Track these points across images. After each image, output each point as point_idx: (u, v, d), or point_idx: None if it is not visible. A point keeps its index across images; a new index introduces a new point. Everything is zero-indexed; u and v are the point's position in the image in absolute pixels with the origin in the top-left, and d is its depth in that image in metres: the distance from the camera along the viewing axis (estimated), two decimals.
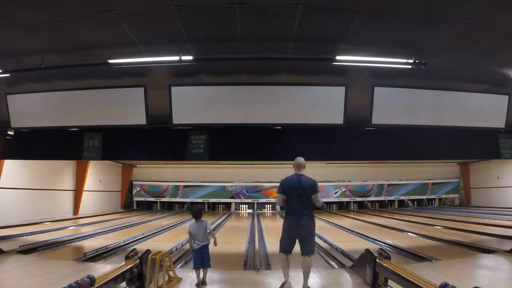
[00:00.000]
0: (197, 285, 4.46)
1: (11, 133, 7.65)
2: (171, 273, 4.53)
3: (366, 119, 6.62)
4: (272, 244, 8.54)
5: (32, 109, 6.99)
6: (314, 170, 21.30)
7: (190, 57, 5.52)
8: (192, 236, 4.53)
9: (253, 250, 7.85)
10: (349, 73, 6.43)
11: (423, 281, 3.24)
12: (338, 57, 5.59)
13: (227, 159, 11.21)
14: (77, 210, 17.13)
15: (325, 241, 8.74)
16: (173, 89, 6.47)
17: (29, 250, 7.26)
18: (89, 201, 18.24)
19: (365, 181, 22.45)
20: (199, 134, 7.12)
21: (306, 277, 4.14)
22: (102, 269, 4.56)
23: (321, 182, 22.25)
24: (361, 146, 7.36)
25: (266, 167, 21.05)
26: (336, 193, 22.30)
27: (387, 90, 6.57)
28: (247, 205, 22.55)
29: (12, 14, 4.58)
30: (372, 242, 8.63)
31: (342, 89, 6.44)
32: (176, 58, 5.43)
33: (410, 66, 5.56)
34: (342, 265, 6.13)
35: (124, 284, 3.98)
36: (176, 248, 7.72)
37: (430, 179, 22.41)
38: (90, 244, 8.30)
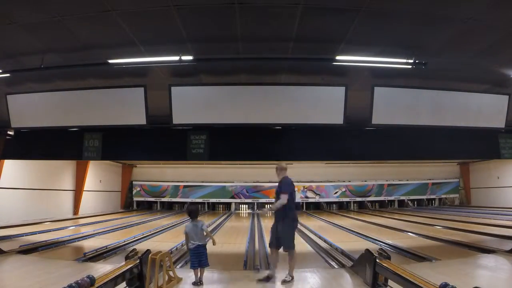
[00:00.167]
0: (194, 283, 4.47)
1: (11, 133, 7.64)
2: (171, 273, 4.53)
3: (366, 119, 6.62)
4: None
5: (32, 109, 6.99)
6: (314, 170, 21.55)
7: (190, 57, 5.51)
8: (188, 236, 4.54)
9: (253, 250, 7.85)
10: (349, 73, 6.43)
11: (423, 281, 3.24)
12: (338, 57, 5.59)
13: (227, 159, 11.21)
14: (77, 210, 17.13)
15: (325, 241, 8.74)
16: (173, 89, 6.47)
17: (29, 250, 7.26)
18: (89, 201, 18.24)
19: (365, 181, 22.44)
20: (199, 134, 7.12)
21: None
22: (102, 269, 4.57)
23: (321, 182, 22.30)
24: (361, 146, 7.36)
25: (266, 167, 21.01)
26: (336, 193, 22.30)
27: (387, 90, 6.57)
28: (247, 205, 22.55)
29: (12, 14, 4.58)
30: (372, 242, 8.63)
31: (342, 89, 6.43)
32: (176, 58, 5.43)
33: (410, 66, 5.56)
34: (342, 265, 6.13)
35: (124, 284, 3.97)
36: (176, 248, 7.72)
37: (430, 179, 22.41)
38: (90, 244, 8.30)
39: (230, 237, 10.42)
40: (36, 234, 9.71)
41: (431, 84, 6.77)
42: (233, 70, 6.55)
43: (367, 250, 4.61)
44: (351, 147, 7.37)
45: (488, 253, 6.54)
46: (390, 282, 4.04)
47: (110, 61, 5.63)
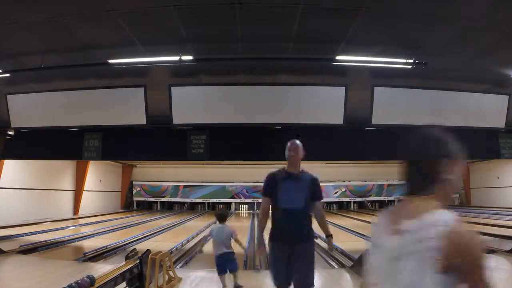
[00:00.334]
0: None
1: (11, 133, 7.64)
2: (171, 273, 4.53)
3: (366, 119, 6.62)
4: None
5: (32, 109, 6.99)
6: (314, 170, 21.48)
7: (190, 57, 5.51)
8: (214, 241, 4.17)
9: (253, 250, 7.84)
10: (349, 73, 6.43)
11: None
12: (338, 57, 5.59)
13: (227, 159, 11.21)
14: (77, 210, 17.12)
15: (325, 241, 8.73)
16: (173, 89, 6.47)
17: (29, 250, 7.26)
18: (89, 201, 18.24)
19: (365, 181, 22.44)
20: (199, 134, 7.12)
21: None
22: (102, 269, 4.56)
23: (321, 182, 22.04)
24: (361, 146, 7.35)
25: (266, 167, 20.67)
26: (336, 193, 22.30)
27: (387, 90, 6.57)
28: (247, 205, 22.54)
29: (12, 14, 4.58)
30: None
31: (342, 89, 6.44)
32: (176, 58, 5.43)
33: (410, 66, 5.56)
34: (342, 265, 6.13)
35: (124, 284, 3.97)
36: (176, 248, 7.72)
37: None
38: (90, 244, 8.30)
39: None
40: (36, 234, 9.71)
41: (431, 84, 6.77)
42: (233, 70, 6.55)
43: (367, 250, 4.60)
44: (351, 147, 7.36)
45: (488, 253, 6.54)
46: None
47: (110, 61, 5.63)
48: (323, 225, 3.02)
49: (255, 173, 21.61)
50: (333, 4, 4.40)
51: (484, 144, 7.72)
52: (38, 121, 7.07)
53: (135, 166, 22.75)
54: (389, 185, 22.44)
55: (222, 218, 4.29)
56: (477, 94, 6.99)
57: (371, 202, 22.57)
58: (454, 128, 7.03)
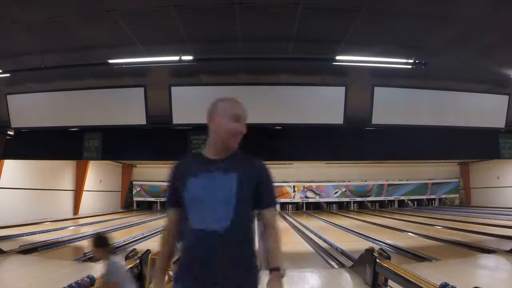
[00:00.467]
0: None
1: (11, 133, 7.64)
2: (171, 273, 4.53)
3: (366, 119, 6.62)
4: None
5: (32, 109, 6.99)
6: (314, 170, 21.50)
7: (190, 57, 5.51)
8: None
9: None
10: (349, 73, 6.43)
11: (423, 281, 3.24)
12: (338, 57, 5.58)
13: None
14: (77, 210, 17.12)
15: (325, 241, 8.74)
16: (173, 89, 6.47)
17: (29, 250, 7.26)
18: (89, 201, 18.23)
19: (365, 181, 22.43)
20: (199, 134, 7.11)
21: None
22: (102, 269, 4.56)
23: (321, 182, 22.29)
24: (361, 146, 7.36)
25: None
26: (336, 193, 22.29)
27: (387, 90, 6.57)
28: None
29: (12, 14, 4.58)
30: (372, 242, 8.62)
31: (342, 89, 6.44)
32: (176, 58, 5.43)
33: (410, 66, 5.56)
34: (342, 265, 6.13)
35: None
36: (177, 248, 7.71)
37: (430, 179, 22.40)
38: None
39: None
40: (36, 234, 9.71)
41: (431, 84, 6.77)
42: (233, 70, 6.55)
43: (367, 250, 4.61)
44: (351, 147, 7.36)
45: (488, 253, 6.54)
46: (390, 282, 4.04)
47: (110, 61, 5.63)
48: (274, 251, 1.52)
49: None
50: (333, 4, 4.40)
51: (484, 144, 7.73)
52: (38, 121, 7.06)
53: (135, 166, 22.75)
54: (389, 185, 22.44)
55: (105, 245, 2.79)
56: (477, 94, 6.99)
57: (371, 202, 22.56)
58: (454, 128, 7.08)
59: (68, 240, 8.89)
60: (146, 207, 22.59)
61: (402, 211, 19.18)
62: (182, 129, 7.10)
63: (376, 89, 6.49)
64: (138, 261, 4.19)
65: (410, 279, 3.38)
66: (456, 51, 5.70)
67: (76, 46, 5.49)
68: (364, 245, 7.31)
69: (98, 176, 19.42)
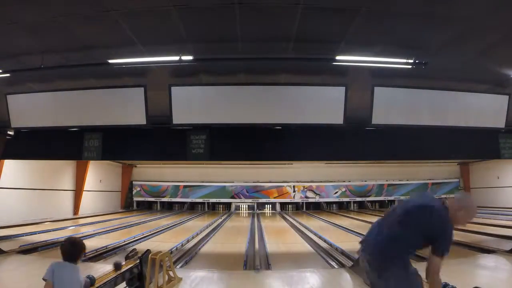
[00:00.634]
0: None
1: (11, 133, 7.65)
2: (171, 273, 4.53)
3: (366, 119, 6.62)
4: (272, 244, 8.56)
5: (32, 109, 6.99)
6: (314, 170, 21.52)
7: (190, 57, 5.51)
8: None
9: (253, 250, 7.85)
10: (349, 73, 6.43)
11: (423, 281, 3.24)
12: (338, 57, 5.58)
13: (227, 159, 11.21)
14: (77, 210, 17.13)
15: (325, 241, 8.74)
16: (173, 89, 6.47)
17: (29, 250, 7.27)
18: (89, 201, 18.24)
19: (365, 181, 22.45)
20: (199, 134, 7.11)
21: None
22: (102, 269, 4.56)
23: (321, 182, 22.31)
24: (361, 146, 7.35)
25: (266, 167, 21.05)
26: (336, 193, 22.31)
27: (387, 90, 6.57)
28: (247, 205, 22.56)
29: (12, 14, 4.58)
30: None
31: (342, 89, 6.43)
32: (176, 58, 5.42)
33: (410, 66, 5.56)
34: (342, 265, 6.13)
35: (124, 284, 3.98)
36: (176, 248, 7.72)
37: (430, 179, 22.41)
38: (90, 244, 8.28)
39: (230, 237, 10.42)
40: (36, 234, 9.71)
41: (431, 84, 6.76)
42: (233, 70, 6.55)
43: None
44: (351, 147, 7.36)
45: (488, 253, 6.55)
46: None
47: (110, 61, 5.62)
48: None
49: (255, 173, 21.67)
50: (333, 4, 4.39)
51: (484, 144, 7.72)
52: (38, 121, 7.06)
53: (135, 166, 22.77)
54: (389, 185, 22.45)
55: (71, 255, 2.74)
56: (477, 94, 6.99)
57: (371, 202, 22.57)
58: (454, 128, 7.07)
59: None
60: (146, 207, 22.62)
61: None
62: (182, 129, 7.10)
63: (376, 89, 6.49)
64: (138, 261, 4.19)
65: None
66: (456, 51, 5.69)
67: (76, 46, 5.49)
68: None
69: (98, 176, 19.43)
